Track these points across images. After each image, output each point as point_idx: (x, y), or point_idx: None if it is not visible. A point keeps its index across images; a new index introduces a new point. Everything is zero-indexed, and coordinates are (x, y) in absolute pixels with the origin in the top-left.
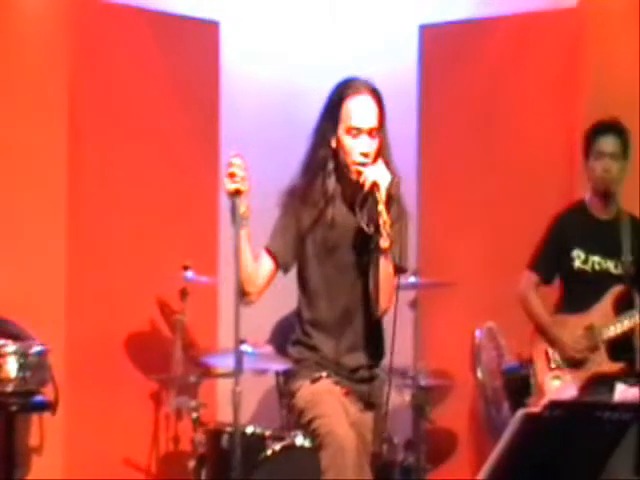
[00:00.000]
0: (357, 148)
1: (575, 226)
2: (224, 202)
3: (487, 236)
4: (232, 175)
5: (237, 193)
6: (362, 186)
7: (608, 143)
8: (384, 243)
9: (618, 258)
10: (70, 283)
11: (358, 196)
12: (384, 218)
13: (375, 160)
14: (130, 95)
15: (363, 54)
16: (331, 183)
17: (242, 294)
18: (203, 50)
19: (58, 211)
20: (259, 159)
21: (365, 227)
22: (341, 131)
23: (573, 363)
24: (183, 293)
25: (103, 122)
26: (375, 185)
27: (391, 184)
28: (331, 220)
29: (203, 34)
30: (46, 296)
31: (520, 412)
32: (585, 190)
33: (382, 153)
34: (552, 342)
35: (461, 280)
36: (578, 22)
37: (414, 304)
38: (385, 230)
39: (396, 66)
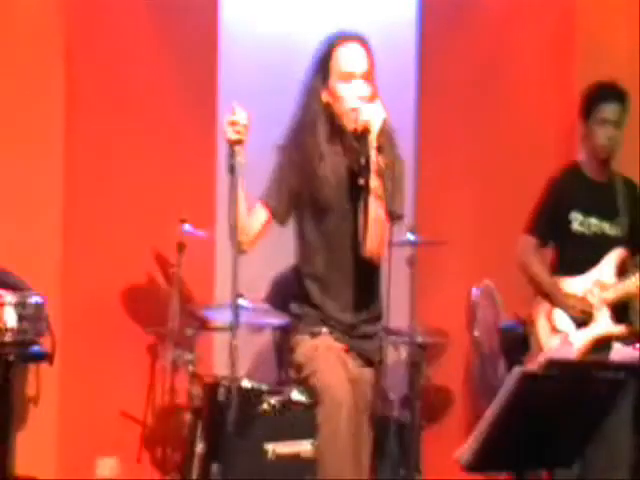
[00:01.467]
0: (352, 93)
1: (572, 189)
2: (222, 156)
3: (485, 195)
4: (234, 123)
5: (238, 142)
6: (356, 130)
7: (612, 110)
8: (374, 182)
9: (613, 220)
10: (67, 235)
11: (353, 140)
12: (375, 157)
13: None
14: (126, 52)
15: (363, 12)
16: (323, 139)
17: (236, 243)
18: (201, 4)
19: (55, 165)
20: (257, 115)
21: (355, 167)
22: (333, 81)
23: (577, 324)
24: (180, 246)
25: (99, 78)
26: (368, 123)
27: (385, 121)
28: (323, 177)
29: None
30: (44, 248)
31: (516, 370)
32: (581, 151)
33: (377, 97)
34: (558, 303)
35: (459, 238)
36: None
37: (411, 261)
38: (376, 167)
39: (395, 21)
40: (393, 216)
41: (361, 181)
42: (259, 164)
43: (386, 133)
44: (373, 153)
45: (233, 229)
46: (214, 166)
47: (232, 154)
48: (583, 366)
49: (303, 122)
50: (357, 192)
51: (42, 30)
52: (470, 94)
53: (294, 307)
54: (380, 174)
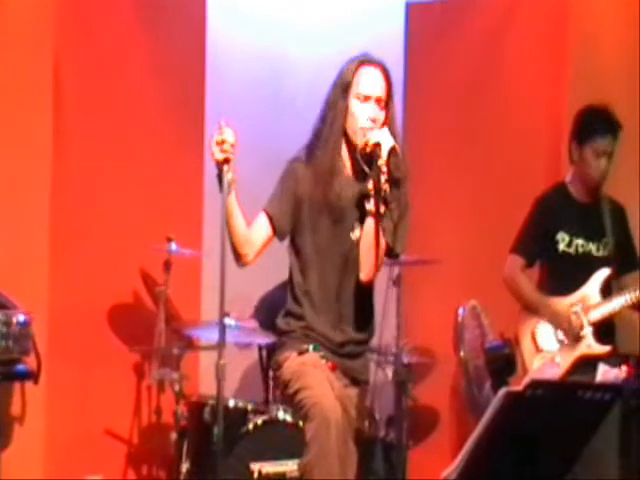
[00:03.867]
0: (365, 113)
1: (558, 209)
2: (209, 174)
3: (471, 214)
4: (221, 143)
5: (226, 162)
6: (365, 149)
7: (607, 143)
8: (378, 208)
9: (600, 241)
10: (54, 253)
11: (360, 158)
12: (384, 184)
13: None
14: (113, 69)
15: (350, 24)
16: (339, 153)
17: (238, 257)
18: (189, 18)
19: (42, 180)
20: (246, 130)
21: (363, 189)
22: (350, 98)
23: (562, 344)
24: (166, 265)
25: (87, 94)
26: (377, 146)
27: (393, 149)
28: (335, 190)
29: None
30: (30, 265)
31: (502, 390)
32: (568, 171)
33: (389, 126)
34: (547, 316)
35: (445, 258)
36: None
37: (398, 281)
38: (383, 195)
39: (382, 39)
40: (391, 254)
41: (368, 205)
42: (250, 180)
43: (396, 164)
44: (383, 179)
45: (232, 245)
46: (201, 184)
47: (221, 174)
48: (569, 387)
49: (326, 135)
50: (362, 214)
51: (31, 45)
52: (457, 109)
53: (282, 323)
54: (386, 203)
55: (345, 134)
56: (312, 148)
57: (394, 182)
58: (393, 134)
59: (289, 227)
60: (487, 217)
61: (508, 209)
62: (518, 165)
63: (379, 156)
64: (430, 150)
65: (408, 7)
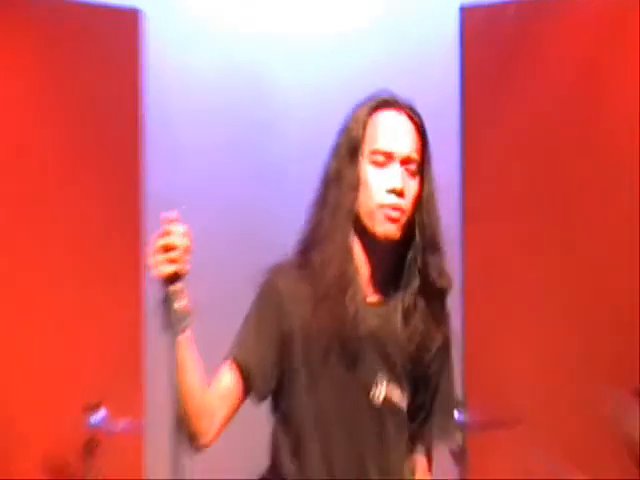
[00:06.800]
0: (385, 182)
1: None
2: (152, 295)
3: (557, 347)
4: (168, 249)
5: (175, 277)
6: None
7: None
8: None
9: None
10: None
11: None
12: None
13: (411, 214)
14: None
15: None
16: (349, 251)
17: (191, 435)
18: (119, 48)
19: None
20: (207, 212)
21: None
22: (362, 161)
23: None
24: (89, 446)
25: None
26: None
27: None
28: (347, 315)
29: (120, 26)
30: None
31: None
32: None
33: (421, 207)
34: None
35: (525, 414)
36: None
37: (460, 454)
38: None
39: (434, 83)
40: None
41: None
42: (210, 305)
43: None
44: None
45: (181, 416)
46: (139, 316)
47: (168, 297)
48: None
49: (327, 225)
50: (387, 356)
51: None
52: (532, 161)
53: None
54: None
55: (357, 219)
56: (306, 246)
57: (435, 294)
58: (429, 215)
59: (271, 383)
60: (581, 351)
61: (612, 337)
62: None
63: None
64: (496, 228)
65: (463, 11)
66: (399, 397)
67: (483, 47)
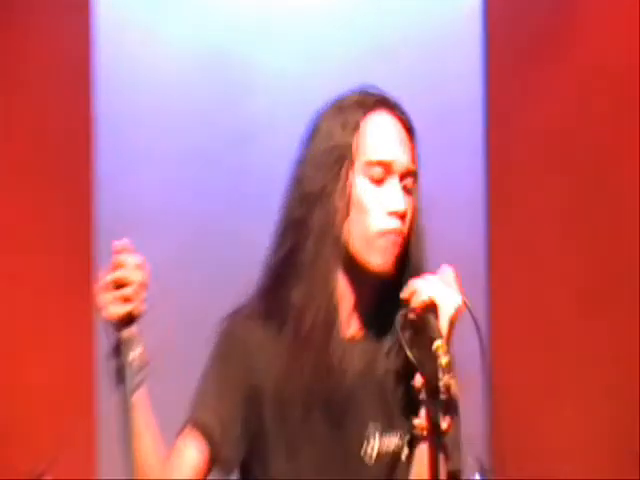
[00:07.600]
0: (384, 202)
1: None
2: (103, 347)
3: (602, 394)
4: (120, 284)
5: (129, 319)
6: (402, 300)
7: None
8: (420, 421)
9: None
10: None
11: (397, 319)
12: (440, 373)
13: (403, 243)
14: None
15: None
16: (333, 288)
17: None
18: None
19: None
20: (169, 236)
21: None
22: (353, 176)
23: None
24: None
25: None
26: (431, 305)
27: (457, 311)
28: (331, 363)
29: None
30: None
31: None
32: None
33: (412, 230)
34: None
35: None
36: None
37: None
38: (440, 390)
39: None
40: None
41: (417, 420)
42: (173, 342)
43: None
44: (444, 375)
45: None
46: (90, 375)
47: (121, 345)
48: None
49: (307, 255)
50: (382, 409)
51: None
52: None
53: None
54: (450, 409)
55: (345, 248)
56: (274, 280)
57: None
58: (419, 239)
59: (241, 451)
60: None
61: None
62: None
63: (435, 331)
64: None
65: None
66: (397, 445)
67: (508, 25)
